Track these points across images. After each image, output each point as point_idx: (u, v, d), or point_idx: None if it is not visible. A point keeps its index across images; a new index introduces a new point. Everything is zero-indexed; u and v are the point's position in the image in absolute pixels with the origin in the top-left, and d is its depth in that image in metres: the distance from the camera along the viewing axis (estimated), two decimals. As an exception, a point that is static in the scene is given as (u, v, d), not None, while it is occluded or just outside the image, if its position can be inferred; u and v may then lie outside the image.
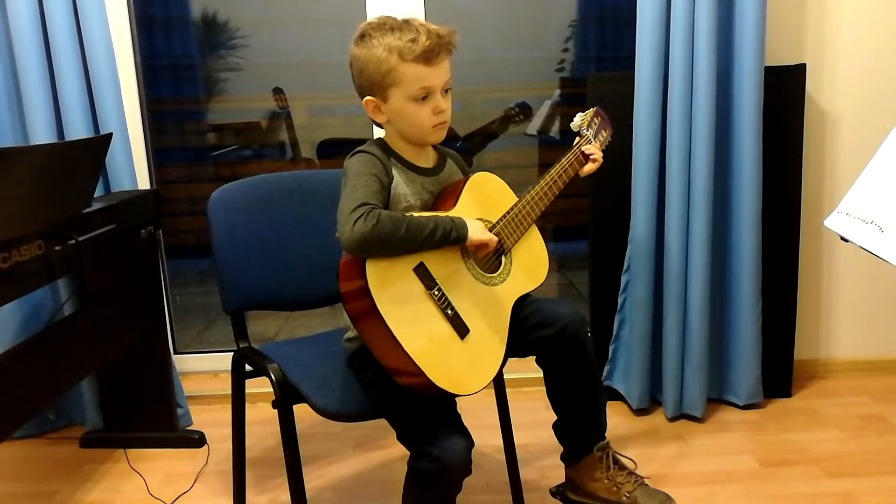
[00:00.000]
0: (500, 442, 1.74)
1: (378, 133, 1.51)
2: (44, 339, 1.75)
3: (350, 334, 1.44)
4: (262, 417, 1.98)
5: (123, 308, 2.05)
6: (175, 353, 2.40)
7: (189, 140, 3.39)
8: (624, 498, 1.48)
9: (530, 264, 1.45)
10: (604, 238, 2.23)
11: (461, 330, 1.28)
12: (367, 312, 1.22)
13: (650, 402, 2.24)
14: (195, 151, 3.38)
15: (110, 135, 1.84)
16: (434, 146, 1.47)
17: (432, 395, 1.24)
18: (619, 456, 1.53)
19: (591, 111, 1.65)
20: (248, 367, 1.56)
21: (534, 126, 3.24)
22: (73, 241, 1.61)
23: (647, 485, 1.52)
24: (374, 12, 2.27)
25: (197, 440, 2.14)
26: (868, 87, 2.25)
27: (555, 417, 1.54)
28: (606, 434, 1.55)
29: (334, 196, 1.30)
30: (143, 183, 2.31)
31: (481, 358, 1.31)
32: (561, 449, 1.57)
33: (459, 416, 1.32)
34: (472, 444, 1.27)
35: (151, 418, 2.16)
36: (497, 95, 3.27)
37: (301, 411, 1.39)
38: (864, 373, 2.42)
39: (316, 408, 1.35)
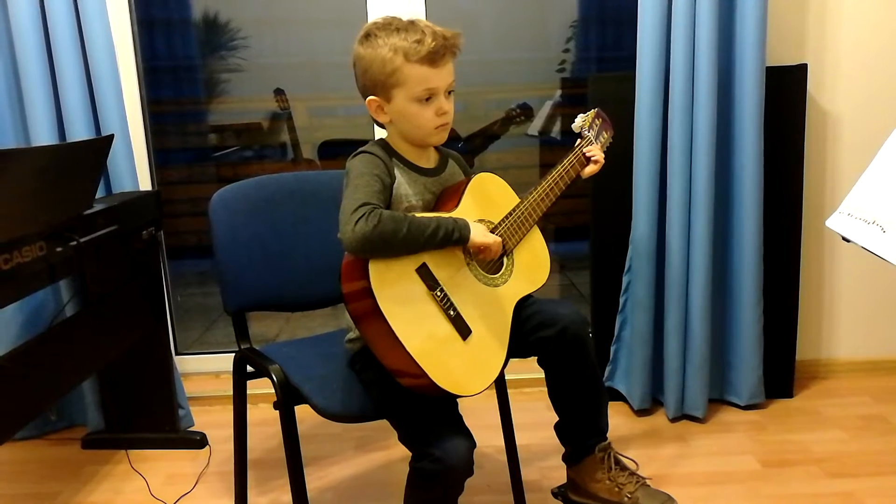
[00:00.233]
0: (501, 442, 1.74)
1: (379, 133, 1.51)
2: (45, 340, 1.75)
3: (351, 335, 1.44)
4: (263, 418, 1.98)
5: (125, 309, 2.05)
6: (176, 353, 2.40)
7: (190, 141, 3.39)
8: (625, 498, 1.48)
9: (532, 265, 1.45)
10: (605, 238, 2.23)
11: (463, 331, 1.28)
12: (369, 313, 1.22)
13: (651, 403, 2.24)
14: (196, 152, 3.39)
15: (111, 136, 1.84)
16: (435, 147, 1.47)
17: (434, 395, 1.24)
18: (620, 456, 1.53)
19: (592, 112, 1.65)
20: (249, 368, 1.56)
21: (535, 127, 3.24)
22: (74, 243, 1.61)
23: (648, 485, 1.52)
24: (375, 13, 2.27)
25: (198, 441, 2.14)
26: (869, 87, 2.25)
27: (556, 418, 1.54)
28: (608, 435, 1.55)
29: (335, 197, 1.30)
30: (145, 184, 2.31)
31: (483, 359, 1.31)
32: (562, 449, 1.57)
33: (461, 416, 1.32)
34: (473, 444, 1.27)
35: (153, 419, 2.16)
36: (498, 96, 3.28)
37: (302, 412, 1.39)
38: (866, 373, 2.42)
39: (317, 409, 1.35)
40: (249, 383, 1.59)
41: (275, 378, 1.41)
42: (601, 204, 2.23)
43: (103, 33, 1.99)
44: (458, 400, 1.32)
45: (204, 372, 2.53)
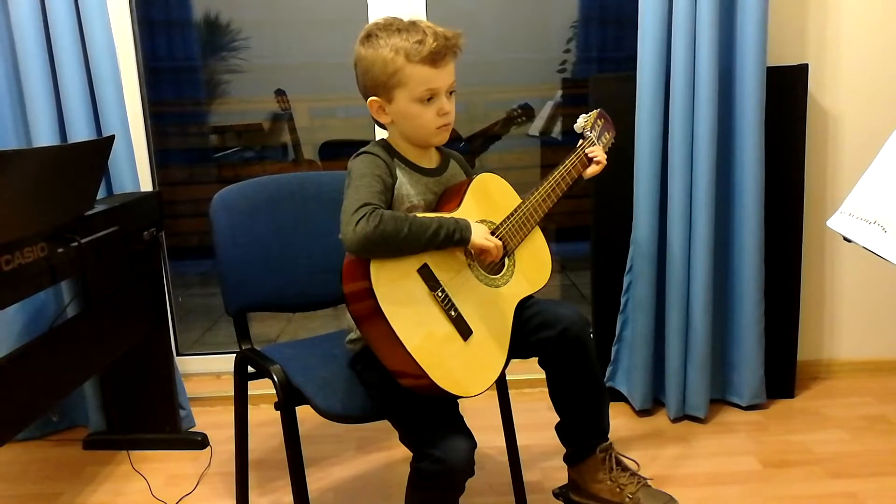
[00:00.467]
0: (502, 443, 1.73)
1: (380, 134, 1.51)
2: (47, 341, 1.75)
3: (352, 336, 1.44)
4: (264, 419, 1.98)
5: (126, 310, 2.05)
6: (178, 354, 2.41)
7: (191, 142, 3.39)
8: (627, 499, 1.48)
9: (533, 266, 1.45)
10: (606, 239, 2.23)
11: (464, 331, 1.28)
12: (370, 314, 1.22)
13: (653, 403, 2.24)
14: (197, 153, 3.39)
15: (113, 137, 1.84)
16: (437, 147, 1.47)
17: (435, 396, 1.24)
18: (621, 457, 1.53)
19: (594, 113, 1.65)
20: (250, 369, 1.56)
21: (536, 127, 3.24)
22: (75, 244, 1.61)
23: (649, 486, 1.52)
24: (375, 13, 2.28)
25: (200, 442, 2.14)
26: (870, 87, 2.25)
27: (557, 419, 1.54)
28: (609, 435, 1.55)
29: (336, 198, 1.30)
30: (146, 185, 2.31)
31: (484, 360, 1.31)
32: (563, 450, 1.57)
33: (462, 417, 1.32)
34: (474, 445, 1.27)
35: (154, 420, 2.16)
36: (499, 96, 3.28)
37: (303, 413, 1.39)
38: (868, 373, 2.41)
39: (318, 409, 1.35)
40: (251, 384, 1.59)
41: (276, 379, 1.41)
42: (602, 204, 2.23)
43: (104, 34, 2.00)
44: (459, 400, 1.32)
45: (205, 373, 2.53)
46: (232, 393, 1.59)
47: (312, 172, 1.81)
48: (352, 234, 1.20)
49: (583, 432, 1.53)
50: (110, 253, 1.84)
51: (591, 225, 2.26)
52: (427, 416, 1.29)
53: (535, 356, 1.47)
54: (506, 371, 1.39)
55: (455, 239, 1.29)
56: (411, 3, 2.28)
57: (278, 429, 1.43)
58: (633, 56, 2.06)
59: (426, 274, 1.27)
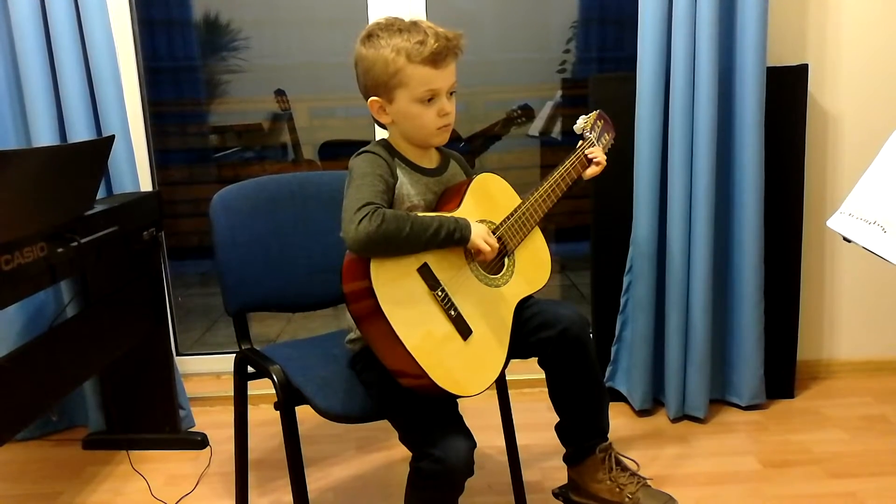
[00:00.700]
0: (502, 443, 1.73)
1: (380, 134, 1.51)
2: (46, 341, 1.75)
3: (352, 336, 1.44)
4: (264, 419, 1.98)
5: (126, 310, 2.05)
6: (177, 354, 2.41)
7: (191, 142, 3.39)
8: (626, 499, 1.48)
9: (533, 266, 1.45)
10: (606, 239, 2.23)
11: (464, 331, 1.28)
12: (370, 313, 1.22)
13: (652, 403, 2.24)
14: (197, 153, 3.39)
15: (112, 137, 1.84)
16: (437, 147, 1.47)
17: (434, 396, 1.24)
18: (621, 457, 1.53)
19: (594, 114, 1.65)
20: (250, 369, 1.56)
21: (536, 127, 3.24)
22: (75, 243, 1.61)
23: (649, 486, 1.52)
24: (375, 14, 2.28)
25: (199, 442, 2.14)
26: (870, 87, 2.25)
27: (557, 418, 1.54)
28: (609, 435, 1.55)
29: (336, 197, 1.30)
30: (146, 185, 2.31)
31: (484, 359, 1.31)
32: (563, 450, 1.57)
33: (461, 417, 1.32)
34: (474, 444, 1.27)
35: (154, 420, 2.16)
36: (499, 97, 3.28)
37: (303, 413, 1.39)
38: (867, 373, 2.42)
39: (318, 409, 1.35)
40: (250, 384, 1.59)
41: (275, 379, 1.41)
42: (602, 204, 2.23)
43: (104, 34, 2.00)
44: (458, 400, 1.32)
45: (205, 373, 2.53)
46: (232, 393, 1.59)
47: (312, 172, 1.81)
48: (354, 233, 1.20)
49: (582, 432, 1.53)
50: (110, 253, 1.84)
51: (590, 225, 2.26)
52: (427, 415, 1.29)
53: (535, 356, 1.47)
54: (505, 371, 1.39)
55: (455, 238, 1.29)
56: (411, 3, 2.28)
57: (278, 429, 1.43)
58: (633, 56, 2.06)
59: (426, 273, 1.27)
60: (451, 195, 1.41)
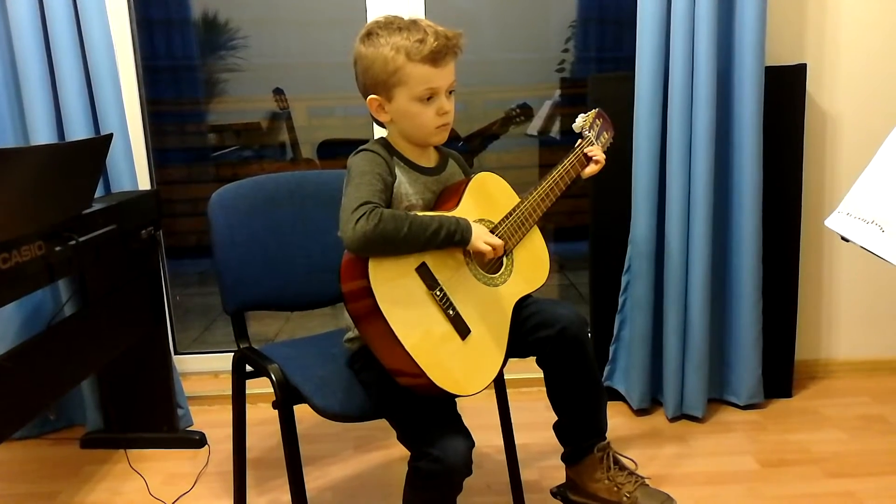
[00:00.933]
0: (500, 442, 1.74)
1: (379, 133, 1.51)
2: (44, 339, 1.75)
3: (350, 335, 1.44)
4: (262, 418, 1.98)
5: (124, 309, 2.05)
6: (175, 353, 2.40)
7: (189, 141, 3.39)
8: (624, 498, 1.48)
9: (532, 265, 1.45)
10: (604, 238, 2.23)
11: (462, 330, 1.28)
12: (368, 312, 1.22)
13: (651, 403, 2.24)
14: (195, 152, 3.38)
15: (110, 135, 1.84)
16: (436, 146, 1.47)
17: (433, 395, 1.24)
18: (619, 456, 1.53)
19: (592, 112, 1.65)
20: (248, 368, 1.56)
21: (534, 127, 3.24)
22: (73, 242, 1.61)
23: (647, 485, 1.52)
24: (374, 13, 2.27)
25: (197, 441, 2.14)
26: (868, 86, 2.25)
27: (555, 418, 1.54)
28: (607, 434, 1.54)
29: (335, 197, 1.30)
30: (144, 184, 2.31)
31: (482, 359, 1.31)
32: (561, 449, 1.57)
33: (460, 416, 1.32)
34: (472, 444, 1.27)
35: (152, 419, 2.16)
36: (497, 96, 3.28)
37: (301, 412, 1.39)
38: (865, 373, 2.42)
39: (316, 408, 1.35)
40: (248, 383, 1.59)
41: (274, 378, 1.41)
42: (601, 204, 2.23)
43: (102, 33, 1.99)
44: (457, 399, 1.32)
45: (203, 371, 2.53)
46: (230, 392, 1.59)
47: (310, 171, 1.81)
48: (351, 233, 1.20)
49: (581, 431, 1.53)
50: (108, 252, 1.84)
51: (589, 224, 2.26)
52: (425, 415, 1.29)
53: (534, 355, 1.47)
54: (504, 370, 1.39)
55: (455, 239, 1.29)
56: (410, 2, 2.28)
57: (276, 428, 1.43)
58: (632, 56, 2.06)
59: (424, 273, 1.27)
60: (449, 194, 1.41)
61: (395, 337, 1.20)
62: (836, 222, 1.12)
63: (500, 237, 1.37)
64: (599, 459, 1.51)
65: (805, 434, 2.08)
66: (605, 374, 2.26)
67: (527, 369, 1.62)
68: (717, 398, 2.26)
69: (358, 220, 1.20)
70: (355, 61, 1.37)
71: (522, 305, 1.42)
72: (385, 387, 1.30)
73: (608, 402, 1.58)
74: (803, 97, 2.15)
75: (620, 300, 2.21)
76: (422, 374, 1.21)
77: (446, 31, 1.32)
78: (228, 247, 1.56)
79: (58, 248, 1.58)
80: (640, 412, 2.22)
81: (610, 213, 2.20)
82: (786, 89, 2.13)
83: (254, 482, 1.91)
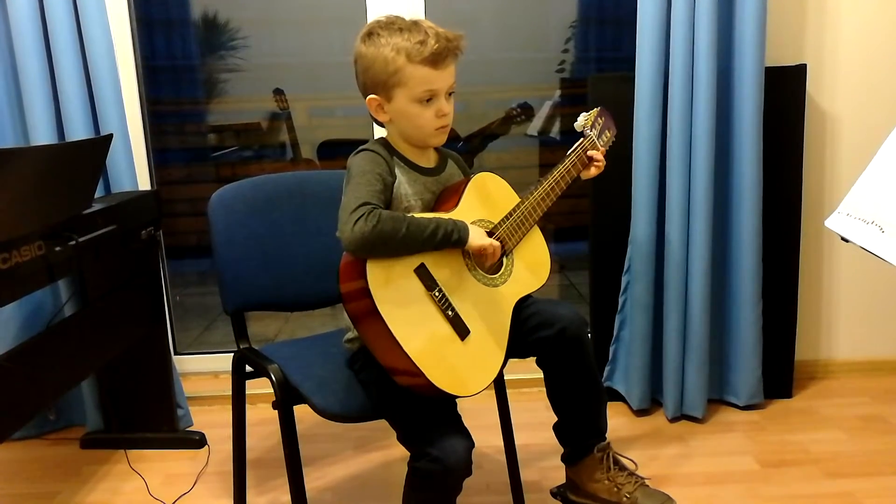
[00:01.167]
0: (500, 442, 1.73)
1: (378, 133, 1.51)
2: (44, 339, 1.75)
3: (350, 335, 1.44)
4: (262, 418, 1.98)
5: (124, 309, 2.05)
6: (175, 353, 2.40)
7: (189, 141, 3.39)
8: (624, 499, 1.48)
9: (532, 265, 1.45)
10: (604, 239, 2.23)
11: (461, 331, 1.28)
12: (367, 313, 1.22)
13: (651, 403, 2.24)
14: (195, 152, 3.38)
15: (111, 135, 1.84)
16: (435, 147, 1.46)
17: (432, 395, 1.24)
18: (619, 457, 1.53)
19: (594, 111, 1.65)
20: (248, 368, 1.56)
21: (534, 127, 3.24)
22: (73, 242, 1.61)
23: (647, 486, 1.52)
24: (374, 13, 2.27)
25: (197, 441, 2.14)
26: (869, 87, 2.25)
27: (555, 418, 1.54)
28: (607, 435, 1.55)
29: (334, 197, 1.30)
30: (144, 184, 2.31)
31: (482, 359, 1.31)
32: (561, 450, 1.57)
33: (460, 416, 1.32)
34: (472, 444, 1.27)
35: (152, 419, 2.16)
36: (497, 96, 3.28)
37: (301, 412, 1.39)
38: (865, 373, 2.42)
39: (316, 408, 1.35)
40: (248, 383, 1.59)
41: (274, 378, 1.41)
42: (601, 204, 2.23)
43: (102, 33, 1.99)
44: (457, 400, 1.32)
45: (203, 372, 2.53)
46: (230, 392, 1.59)
47: (310, 171, 1.81)
48: (350, 233, 1.20)
49: (581, 432, 1.53)
50: (108, 252, 1.84)
51: (589, 225, 2.26)
52: (425, 415, 1.29)
53: (533, 355, 1.47)
54: (504, 370, 1.39)
55: (452, 240, 1.29)
56: (410, 2, 2.28)
57: (276, 428, 1.43)
58: (632, 56, 2.06)
59: (423, 273, 1.27)
60: (449, 194, 1.41)
61: (394, 338, 1.20)
62: (836, 223, 1.12)
63: (499, 237, 1.37)
64: (599, 460, 1.51)
65: (805, 434, 2.08)
66: (605, 374, 2.26)
67: (527, 369, 1.62)
68: (717, 398, 2.26)
69: (356, 220, 1.20)
70: (356, 60, 1.37)
71: (522, 305, 1.42)
72: (385, 387, 1.30)
73: (608, 403, 1.59)
74: (803, 97, 2.15)
75: (620, 300, 2.21)
76: (421, 374, 1.21)
77: (447, 32, 1.32)
78: (228, 247, 1.56)
79: (58, 248, 1.58)
80: (640, 412, 2.22)
81: (610, 213, 2.20)
82: (786, 89, 2.13)
83: (254, 482, 1.91)
